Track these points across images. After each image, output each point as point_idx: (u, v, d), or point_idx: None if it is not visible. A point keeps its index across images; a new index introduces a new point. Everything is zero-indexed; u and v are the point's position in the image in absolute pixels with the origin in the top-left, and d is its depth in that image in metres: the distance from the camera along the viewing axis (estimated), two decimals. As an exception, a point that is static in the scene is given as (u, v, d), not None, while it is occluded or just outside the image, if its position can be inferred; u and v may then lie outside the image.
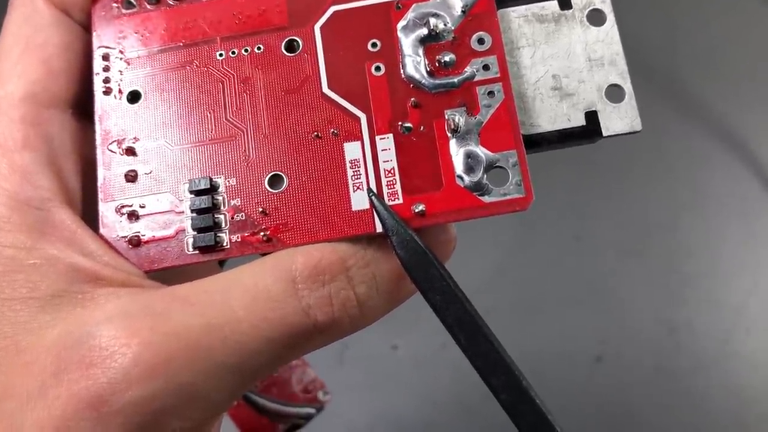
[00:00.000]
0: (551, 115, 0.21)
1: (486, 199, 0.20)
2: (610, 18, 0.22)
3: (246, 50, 0.22)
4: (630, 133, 0.21)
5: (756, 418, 0.52)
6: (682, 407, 0.52)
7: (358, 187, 0.20)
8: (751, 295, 0.55)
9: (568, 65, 0.21)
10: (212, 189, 0.21)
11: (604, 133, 0.21)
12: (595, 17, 0.22)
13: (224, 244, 0.20)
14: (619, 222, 0.57)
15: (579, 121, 0.21)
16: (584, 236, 0.56)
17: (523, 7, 0.22)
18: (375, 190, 0.20)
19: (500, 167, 0.20)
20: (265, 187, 0.20)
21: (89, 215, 0.21)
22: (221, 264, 0.25)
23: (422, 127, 0.20)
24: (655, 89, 0.60)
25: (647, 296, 0.55)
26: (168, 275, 0.21)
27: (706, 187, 0.58)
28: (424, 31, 0.21)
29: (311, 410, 0.43)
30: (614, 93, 0.21)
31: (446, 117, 0.20)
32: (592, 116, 0.21)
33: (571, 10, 0.22)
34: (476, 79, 0.21)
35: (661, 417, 0.52)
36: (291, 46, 0.22)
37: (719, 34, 0.62)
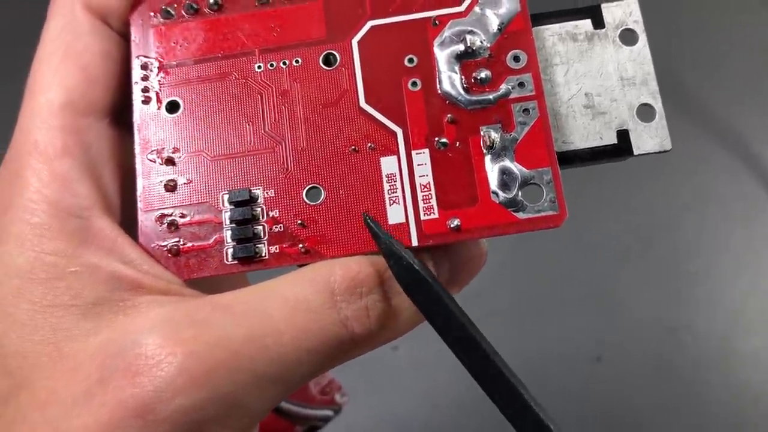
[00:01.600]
0: (584, 132, 0.21)
1: (520, 215, 0.20)
2: (642, 38, 0.22)
3: (284, 63, 0.22)
4: (660, 152, 0.21)
5: (756, 418, 0.52)
6: (682, 407, 0.53)
7: (394, 201, 0.21)
8: (750, 295, 0.56)
9: (601, 84, 0.22)
10: (251, 200, 0.21)
11: (635, 152, 0.21)
12: (628, 37, 0.22)
13: (263, 255, 0.21)
14: (620, 222, 0.57)
15: (611, 139, 0.21)
16: (584, 236, 0.57)
17: (557, 25, 0.22)
18: (412, 205, 0.20)
19: (535, 184, 0.20)
20: (303, 200, 0.21)
21: (127, 223, 0.21)
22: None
23: (458, 143, 0.21)
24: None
25: (647, 296, 0.56)
26: (201, 284, 0.21)
27: (707, 188, 0.59)
28: (461, 47, 0.21)
29: (329, 412, 0.43)
30: (645, 112, 0.22)
31: (482, 133, 0.21)
32: (623, 135, 0.21)
33: (604, 30, 0.22)
34: (512, 96, 0.21)
35: (661, 417, 0.52)
36: (328, 60, 0.22)
37: (721, 35, 0.63)
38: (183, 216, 0.21)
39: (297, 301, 0.19)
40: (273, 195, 0.21)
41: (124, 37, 0.23)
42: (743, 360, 0.54)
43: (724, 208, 0.58)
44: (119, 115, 0.22)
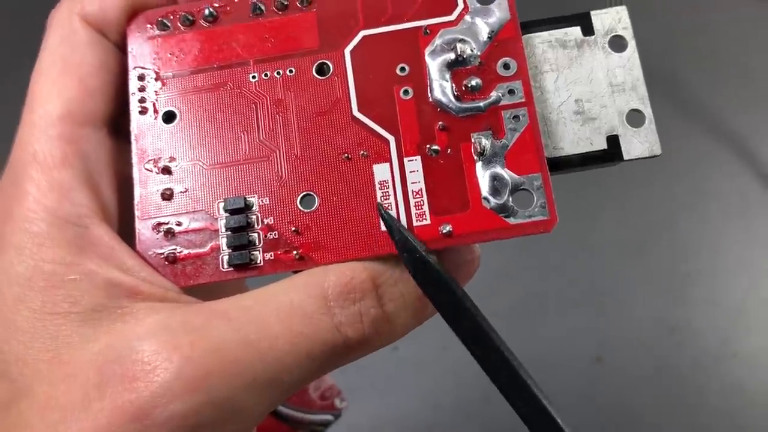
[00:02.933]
0: (574, 138, 0.22)
1: (511, 220, 0.21)
2: (632, 44, 0.22)
3: (278, 73, 0.22)
4: (650, 157, 0.22)
5: (756, 418, 0.52)
6: (682, 407, 0.52)
7: (387, 208, 0.21)
8: (750, 294, 0.55)
9: (591, 90, 0.22)
10: (246, 208, 0.21)
11: (625, 157, 0.22)
12: (617, 44, 0.22)
13: (258, 261, 0.21)
14: (619, 222, 0.57)
15: (601, 144, 0.22)
16: (584, 237, 0.57)
17: (547, 32, 0.23)
18: (405, 211, 0.21)
19: (525, 190, 0.21)
20: (298, 207, 0.21)
21: (125, 231, 0.22)
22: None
23: (449, 150, 0.21)
24: (655, 89, 0.60)
25: (647, 296, 0.56)
26: (198, 291, 0.21)
27: (706, 187, 0.59)
28: (452, 56, 0.22)
29: (329, 417, 0.43)
30: (635, 118, 0.22)
31: (473, 140, 0.21)
32: (613, 140, 0.22)
33: (593, 37, 0.22)
34: (502, 103, 0.21)
35: (661, 417, 0.52)
36: (321, 70, 0.22)
37: (719, 34, 0.63)
38: (179, 224, 0.21)
39: (292, 306, 0.20)
40: (268, 202, 0.21)
41: (121, 48, 0.23)
42: (743, 360, 0.53)
43: (724, 208, 0.58)
44: (116, 125, 0.23)
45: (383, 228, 0.21)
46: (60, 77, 0.22)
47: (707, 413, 0.52)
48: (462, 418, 0.50)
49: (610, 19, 0.23)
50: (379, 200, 0.21)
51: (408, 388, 0.51)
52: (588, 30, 0.23)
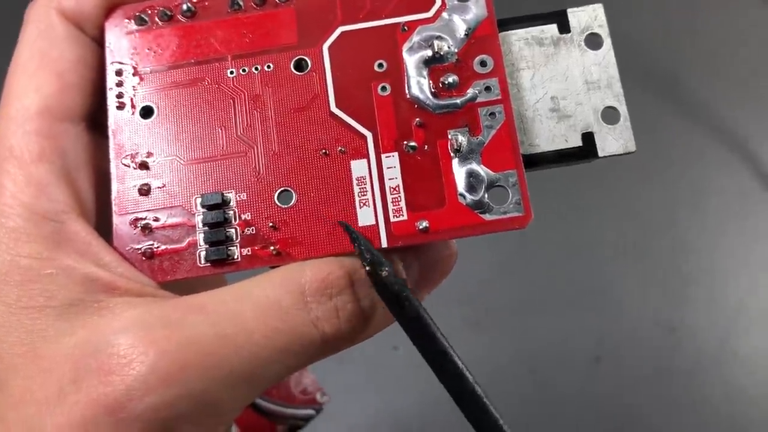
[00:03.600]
0: (549, 135, 0.22)
1: (487, 216, 0.21)
2: (607, 42, 0.22)
3: (256, 68, 0.22)
4: (624, 153, 0.22)
5: (756, 418, 0.52)
6: (681, 407, 0.52)
7: (364, 204, 0.21)
8: (750, 294, 0.55)
9: (566, 87, 0.22)
10: (224, 203, 0.21)
11: (600, 154, 0.22)
12: (593, 41, 0.23)
13: (235, 257, 0.21)
14: (619, 221, 0.57)
15: (576, 141, 0.22)
16: (584, 236, 0.57)
17: (524, 30, 0.23)
18: (382, 207, 0.21)
19: (501, 186, 0.21)
20: (275, 202, 0.21)
21: (102, 227, 0.22)
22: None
23: (426, 147, 0.21)
24: (654, 88, 0.60)
25: (647, 296, 0.55)
26: (176, 286, 0.21)
27: (706, 187, 0.58)
28: (429, 52, 0.22)
29: (310, 411, 0.43)
30: (610, 115, 0.22)
31: (449, 137, 0.21)
32: (588, 137, 0.22)
33: (569, 34, 0.23)
34: (478, 100, 0.22)
35: (661, 417, 0.52)
36: (300, 65, 0.22)
37: (719, 34, 0.62)
38: (156, 219, 0.22)
39: (268, 301, 0.20)
40: (245, 198, 0.21)
41: (99, 43, 0.23)
42: (742, 360, 0.53)
43: (724, 208, 0.58)
44: (94, 120, 0.23)
45: (361, 223, 0.21)
46: (37, 72, 0.22)
47: (707, 413, 0.52)
48: (461, 418, 0.50)
49: (587, 17, 0.23)
50: (340, 221, 0.21)
51: (407, 387, 0.51)
52: (564, 28, 0.23)
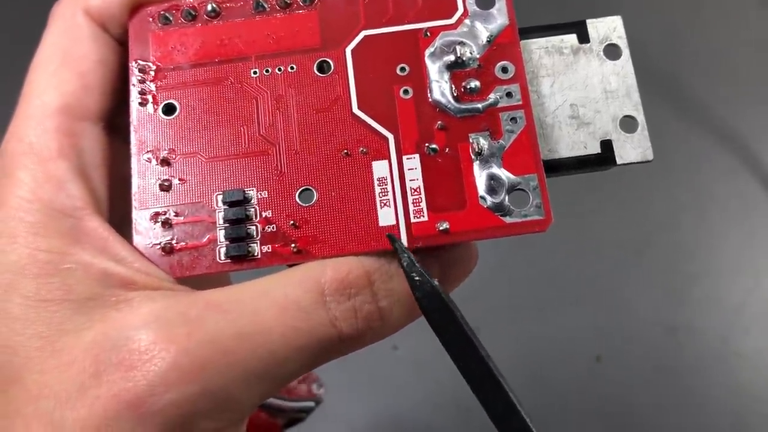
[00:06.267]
0: (569, 142, 0.22)
1: (507, 219, 0.21)
2: (626, 53, 0.23)
3: (279, 69, 0.23)
4: (642, 162, 0.22)
5: (756, 418, 0.52)
6: (682, 407, 0.52)
7: (385, 204, 0.21)
8: (750, 294, 0.55)
9: (585, 96, 0.23)
10: (245, 201, 0.21)
11: (618, 162, 0.22)
12: (611, 52, 0.23)
13: (255, 254, 0.21)
14: (620, 222, 0.57)
15: (595, 149, 0.22)
16: (584, 236, 0.57)
17: (544, 39, 0.23)
18: (402, 208, 0.21)
19: (521, 190, 0.21)
20: (296, 201, 0.21)
21: (115, 225, 0.22)
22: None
23: (447, 149, 0.21)
24: (656, 89, 0.60)
25: (647, 296, 0.55)
26: (187, 281, 0.21)
27: (706, 188, 0.59)
28: (451, 58, 0.22)
29: (310, 404, 0.43)
30: (628, 124, 0.22)
31: (471, 140, 0.21)
32: (607, 145, 0.22)
33: (588, 44, 0.23)
34: (500, 105, 0.22)
35: (661, 417, 0.52)
36: (322, 67, 0.23)
37: (719, 35, 0.63)
38: (177, 215, 0.21)
39: (287, 300, 0.20)
40: (266, 196, 0.21)
41: (122, 43, 0.23)
42: (743, 360, 0.53)
43: (724, 208, 0.58)
44: (112, 121, 0.23)
45: (382, 224, 0.21)
46: (59, 70, 0.22)
47: (707, 413, 0.52)
48: (461, 418, 0.50)
49: (605, 28, 0.23)
50: (388, 234, 0.21)
51: (407, 387, 0.51)
52: (584, 38, 0.23)
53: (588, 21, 0.23)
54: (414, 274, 0.20)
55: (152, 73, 0.23)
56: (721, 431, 0.52)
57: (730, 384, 0.53)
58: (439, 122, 0.22)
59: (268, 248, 0.21)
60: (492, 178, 0.21)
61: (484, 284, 0.51)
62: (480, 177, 0.21)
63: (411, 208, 0.21)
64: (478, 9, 0.23)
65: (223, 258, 0.21)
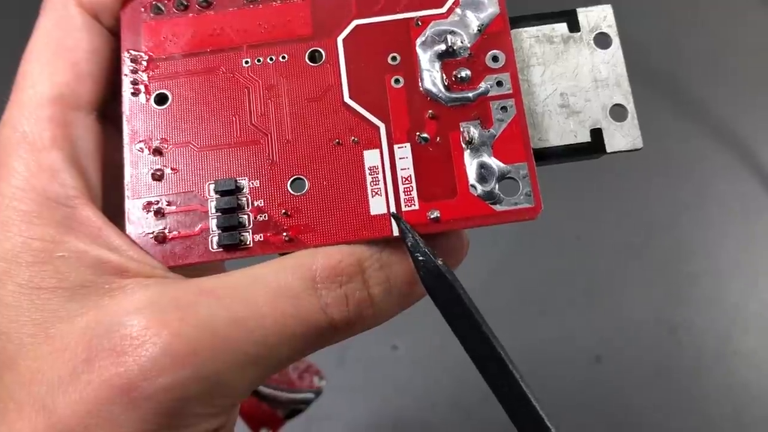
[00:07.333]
0: (559, 130, 0.22)
1: (497, 207, 0.21)
2: (616, 42, 0.23)
3: (271, 59, 0.23)
4: (632, 150, 0.22)
5: (756, 418, 0.52)
6: (682, 407, 0.52)
7: (376, 193, 0.21)
8: (750, 294, 0.55)
9: (576, 84, 0.23)
10: (237, 190, 0.21)
11: (608, 150, 0.22)
12: (602, 41, 0.23)
13: (247, 243, 0.21)
14: (620, 222, 0.57)
15: (585, 137, 0.22)
16: (584, 236, 0.57)
17: (535, 28, 0.23)
18: (393, 196, 0.21)
19: (511, 178, 0.21)
20: (288, 190, 0.21)
21: (108, 214, 0.22)
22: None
23: (438, 138, 0.22)
24: (656, 89, 0.60)
25: (647, 296, 0.55)
26: (181, 270, 0.21)
27: (706, 187, 0.58)
28: (442, 47, 0.22)
29: (310, 395, 0.43)
30: (618, 112, 0.22)
31: (461, 129, 0.22)
32: (597, 133, 0.22)
33: (579, 33, 0.23)
34: (490, 94, 0.22)
35: (661, 417, 0.52)
36: (314, 57, 0.23)
37: (720, 35, 0.63)
38: (170, 204, 0.22)
39: (280, 286, 0.20)
40: (258, 185, 0.22)
41: (114, 33, 0.23)
42: (743, 360, 0.53)
43: (724, 208, 0.58)
44: (105, 110, 0.23)
45: (373, 212, 0.21)
46: (52, 60, 0.22)
47: (707, 413, 0.52)
48: (460, 417, 0.50)
49: (596, 17, 0.23)
50: (392, 212, 0.21)
51: (406, 386, 0.51)
52: (574, 27, 0.23)
53: (578, 10, 0.23)
54: (418, 254, 0.20)
55: (144, 63, 0.23)
56: (721, 431, 0.52)
57: (730, 384, 0.53)
58: (429, 111, 0.22)
59: (260, 237, 0.21)
60: (482, 167, 0.21)
61: (484, 284, 0.51)
62: (470, 166, 0.21)
63: (402, 196, 0.21)
64: (468, -2, 0.23)
65: (215, 247, 0.21)
